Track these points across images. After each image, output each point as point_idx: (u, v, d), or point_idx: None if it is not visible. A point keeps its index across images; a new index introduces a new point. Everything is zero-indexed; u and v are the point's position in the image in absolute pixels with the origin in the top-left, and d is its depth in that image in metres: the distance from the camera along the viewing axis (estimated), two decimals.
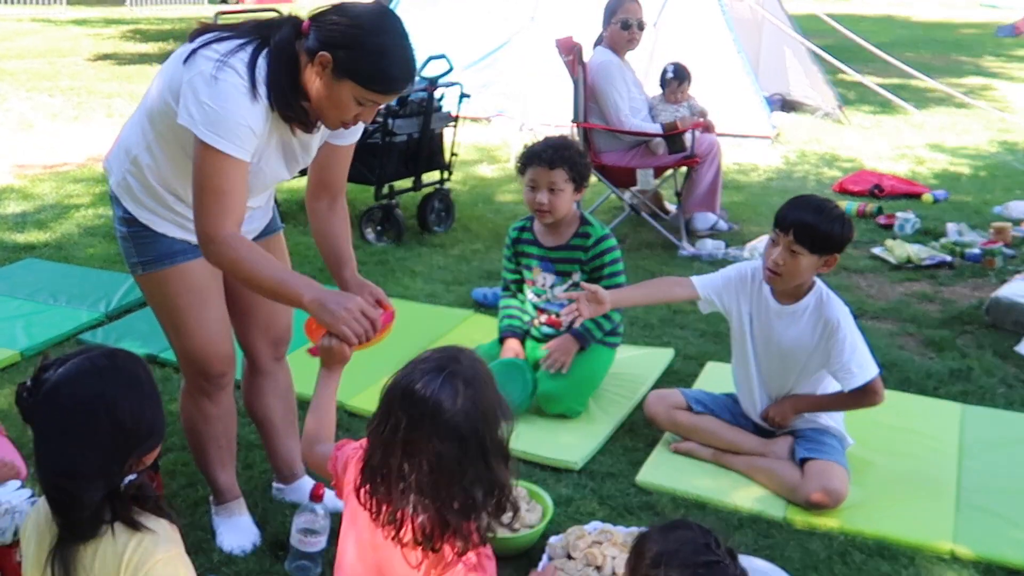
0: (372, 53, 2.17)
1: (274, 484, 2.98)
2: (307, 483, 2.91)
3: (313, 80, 2.22)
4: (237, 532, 2.75)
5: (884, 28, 20.95)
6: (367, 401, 3.49)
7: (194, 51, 2.20)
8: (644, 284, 3.30)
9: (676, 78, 5.65)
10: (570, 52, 5.15)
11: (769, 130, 8.34)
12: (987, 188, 6.95)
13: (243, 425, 3.05)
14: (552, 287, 3.57)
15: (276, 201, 2.82)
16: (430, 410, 1.77)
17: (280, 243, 2.77)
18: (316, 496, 2.61)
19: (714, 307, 3.16)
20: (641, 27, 5.29)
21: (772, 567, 2.56)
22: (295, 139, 2.40)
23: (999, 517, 2.86)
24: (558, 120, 8.24)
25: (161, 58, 14.00)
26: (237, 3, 20.64)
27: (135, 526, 1.69)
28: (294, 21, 2.25)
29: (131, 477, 1.74)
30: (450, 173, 5.70)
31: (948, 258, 5.03)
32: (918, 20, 24.08)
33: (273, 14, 2.41)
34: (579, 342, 3.46)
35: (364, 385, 3.65)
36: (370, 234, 5.42)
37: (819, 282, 3.00)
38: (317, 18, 2.22)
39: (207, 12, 18.27)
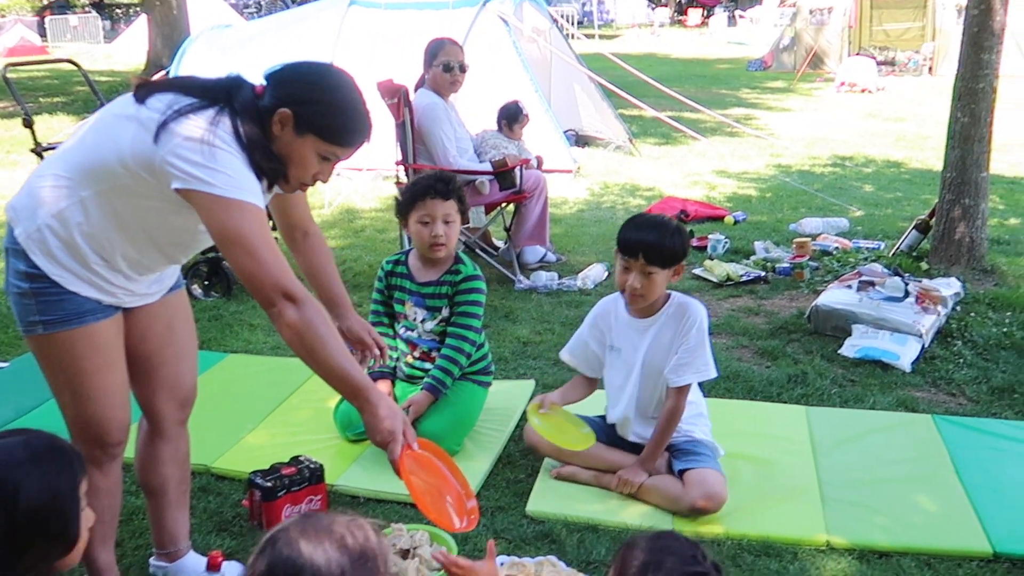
0: (332, 106, 2.20)
1: (152, 561, 2.78)
2: (192, 560, 2.74)
3: (275, 141, 2.19)
4: None
5: (648, 65, 22.19)
6: (231, 462, 3.37)
7: (165, 122, 2.11)
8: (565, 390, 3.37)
9: (505, 118, 5.80)
10: (394, 95, 5.17)
11: (571, 164, 8.68)
12: (776, 207, 7.53)
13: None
14: (423, 321, 3.58)
15: None
16: None
17: (184, 299, 2.64)
18: (214, 566, 2.47)
19: (593, 362, 3.31)
20: (463, 69, 5.39)
21: None
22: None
23: (862, 507, 3.10)
24: (366, 163, 8.29)
25: None
26: None
27: None
28: (244, 82, 2.23)
29: None
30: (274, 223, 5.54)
31: (762, 273, 5.42)
32: (677, 57, 25.82)
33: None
34: (433, 394, 3.47)
35: (227, 446, 3.51)
36: (197, 290, 5.19)
37: (674, 293, 3.19)
38: (270, 77, 2.22)
39: None
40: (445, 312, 3.55)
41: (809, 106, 15.28)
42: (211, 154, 2.10)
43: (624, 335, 3.22)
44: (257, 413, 3.80)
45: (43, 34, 30.31)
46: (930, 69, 19.58)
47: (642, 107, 10.30)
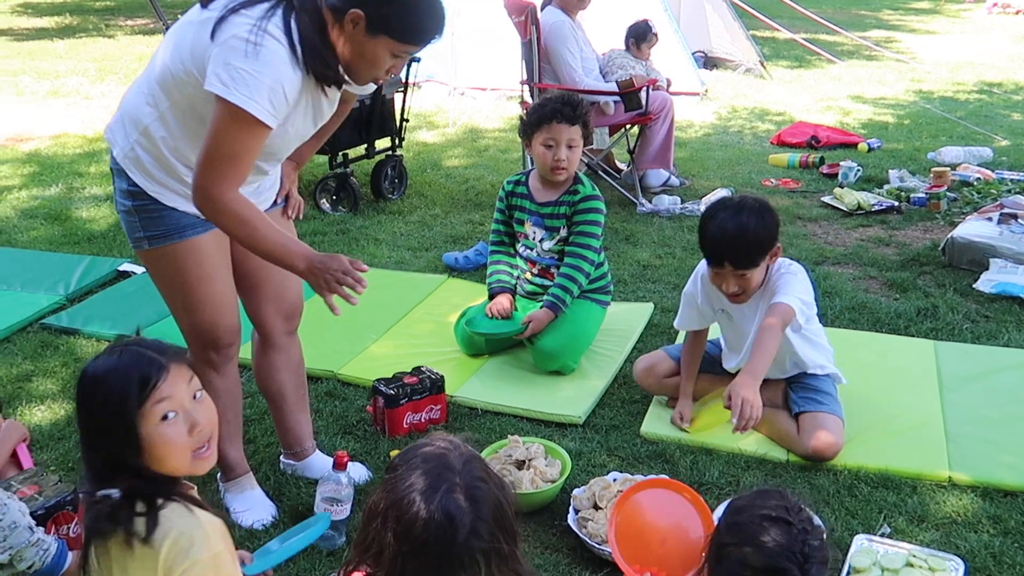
0: (404, 6, 2.16)
1: (283, 459, 2.94)
2: (319, 459, 2.89)
3: (342, 39, 2.18)
4: (253, 506, 2.71)
5: None
6: (357, 369, 3.50)
7: (222, 18, 2.12)
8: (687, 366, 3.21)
9: (633, 37, 5.69)
10: (522, 12, 5.13)
11: (699, 87, 8.48)
12: (914, 136, 7.21)
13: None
14: (541, 241, 3.61)
15: None
16: (436, 543, 1.45)
17: (285, 217, 2.72)
18: (340, 465, 2.58)
19: (707, 320, 3.18)
20: None
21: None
22: (324, 97, 2.36)
23: (988, 443, 3.01)
24: (491, 82, 8.29)
25: (60, 32, 13.44)
26: None
27: (163, 522, 1.61)
28: None
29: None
30: (402, 139, 5.64)
31: (895, 203, 5.22)
32: None
33: None
34: (553, 312, 3.49)
35: (352, 354, 3.64)
36: (325, 204, 5.34)
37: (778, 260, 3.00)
38: None
39: None
40: (563, 232, 3.56)
41: (956, 28, 14.45)
42: (254, 53, 2.08)
43: (732, 305, 3.09)
44: (381, 324, 3.92)
45: None
46: None
47: (776, 27, 9.92)
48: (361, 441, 3.10)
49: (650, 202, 5.31)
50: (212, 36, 2.12)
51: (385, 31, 2.16)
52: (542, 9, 5.39)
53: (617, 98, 5.24)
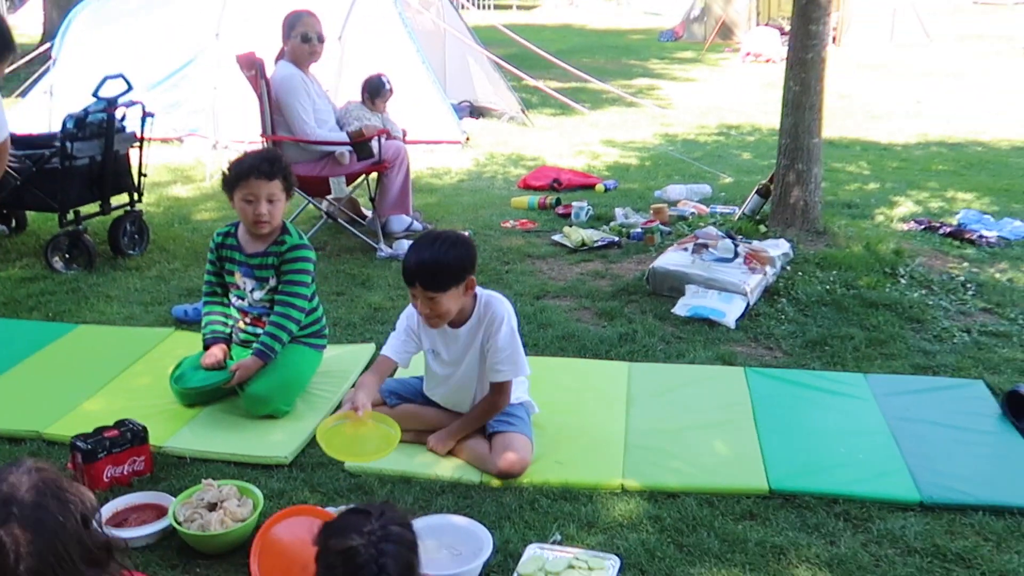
0: None
1: None
2: None
3: None
4: None
5: (563, 36, 22.47)
6: (65, 427, 3.45)
7: None
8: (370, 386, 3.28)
9: (368, 91, 5.88)
10: (252, 67, 5.23)
11: (459, 135, 8.80)
12: (651, 175, 7.76)
13: None
14: (252, 291, 3.69)
15: None
16: None
17: None
18: None
19: (412, 356, 3.37)
20: (321, 40, 5.46)
21: (469, 521, 2.83)
22: None
23: (660, 452, 3.32)
24: (250, 136, 8.29)
25: None
26: None
27: None
28: None
29: None
30: (140, 194, 5.59)
31: (616, 238, 5.62)
32: (593, 28, 26.04)
33: None
34: (261, 359, 3.58)
35: (63, 412, 3.59)
36: (58, 263, 5.21)
37: (480, 292, 3.25)
38: None
39: None
40: (272, 282, 3.67)
41: (713, 76, 15.60)
42: None
43: (441, 342, 3.31)
44: (98, 380, 3.88)
45: None
46: (834, 39, 20.03)
47: (524, 77, 10.45)
48: None
49: (391, 247, 5.49)
50: None
51: None
52: (275, 62, 5.51)
53: (351, 148, 5.41)
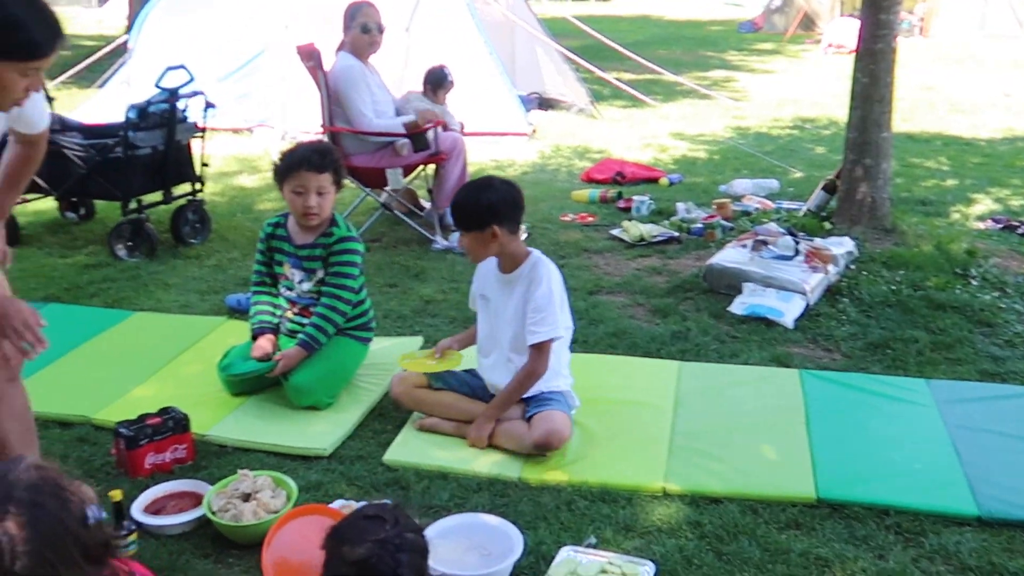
0: (9, 28, 2.18)
1: None
2: None
3: None
4: None
5: (640, 27, 22.23)
6: (114, 413, 3.49)
7: None
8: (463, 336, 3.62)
9: (430, 83, 5.86)
10: (310, 58, 5.25)
11: (526, 127, 8.74)
12: (718, 170, 7.59)
13: None
14: (300, 282, 3.69)
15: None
16: None
17: None
18: None
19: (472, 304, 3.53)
20: (381, 30, 5.45)
21: (501, 521, 2.77)
22: None
23: (705, 455, 3.21)
24: (317, 127, 8.35)
25: None
26: None
27: None
28: None
29: None
30: (202, 184, 5.66)
31: (675, 234, 5.50)
32: (671, 19, 25.70)
33: None
34: (306, 350, 3.57)
35: (112, 398, 3.64)
36: (120, 250, 5.31)
37: (535, 252, 3.30)
38: None
39: None
40: (320, 274, 3.65)
41: (792, 68, 15.23)
42: None
43: (493, 287, 3.36)
44: (149, 367, 3.93)
45: None
46: (922, 30, 19.41)
47: (593, 69, 10.33)
48: (103, 484, 3.10)
49: (447, 239, 5.46)
50: None
51: (4, 57, 2.19)
52: (336, 53, 5.52)
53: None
